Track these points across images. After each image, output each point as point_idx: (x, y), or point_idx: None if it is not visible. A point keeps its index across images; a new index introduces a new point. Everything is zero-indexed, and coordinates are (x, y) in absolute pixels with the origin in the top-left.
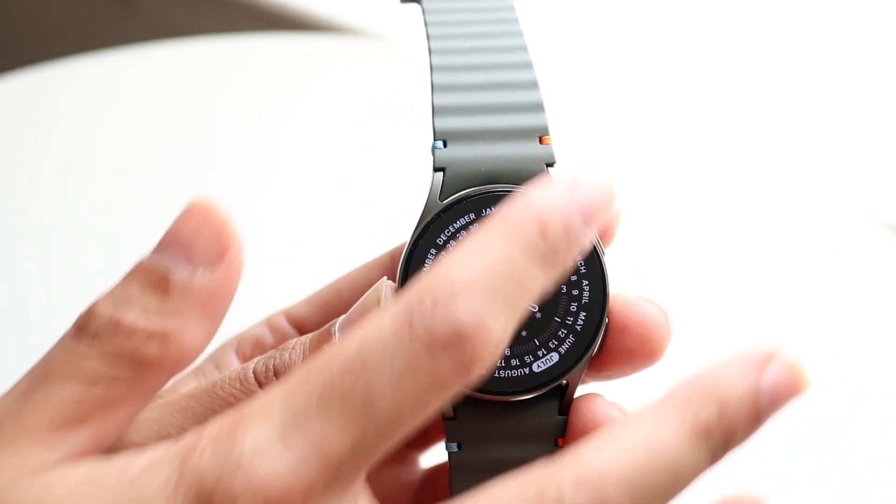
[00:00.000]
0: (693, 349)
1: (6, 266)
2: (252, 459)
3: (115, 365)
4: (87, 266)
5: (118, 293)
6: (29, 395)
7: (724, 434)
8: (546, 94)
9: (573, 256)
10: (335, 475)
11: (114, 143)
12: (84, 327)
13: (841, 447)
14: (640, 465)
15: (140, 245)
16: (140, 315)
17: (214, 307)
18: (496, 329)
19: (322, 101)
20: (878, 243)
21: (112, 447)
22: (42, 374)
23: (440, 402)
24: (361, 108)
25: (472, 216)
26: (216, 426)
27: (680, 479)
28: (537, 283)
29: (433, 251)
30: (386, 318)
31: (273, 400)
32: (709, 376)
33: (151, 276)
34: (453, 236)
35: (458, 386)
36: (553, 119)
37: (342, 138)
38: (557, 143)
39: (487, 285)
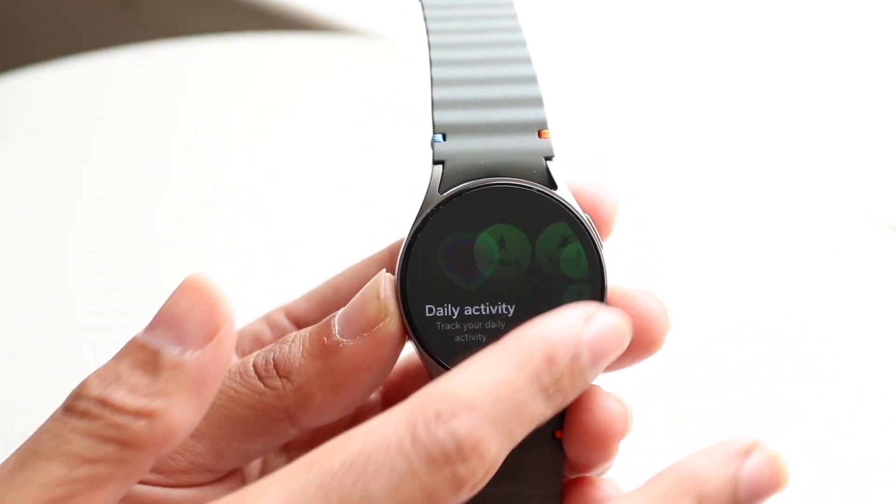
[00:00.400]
0: (692, 346)
1: (5, 266)
2: None
3: (101, 444)
4: (86, 266)
5: (108, 371)
6: (15, 474)
7: None
8: (545, 88)
9: (576, 392)
10: None
11: (114, 143)
12: (73, 405)
13: (841, 447)
14: None
15: (138, 246)
16: (128, 394)
17: (204, 386)
18: (491, 452)
19: (322, 101)
20: (878, 243)
21: None
22: (29, 453)
23: None
24: (361, 108)
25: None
26: None
27: None
28: (537, 414)
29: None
30: (389, 422)
31: (270, 485)
32: (688, 466)
33: (142, 354)
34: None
35: (448, 503)
36: (552, 113)
37: (342, 138)
38: (556, 137)
39: (489, 408)
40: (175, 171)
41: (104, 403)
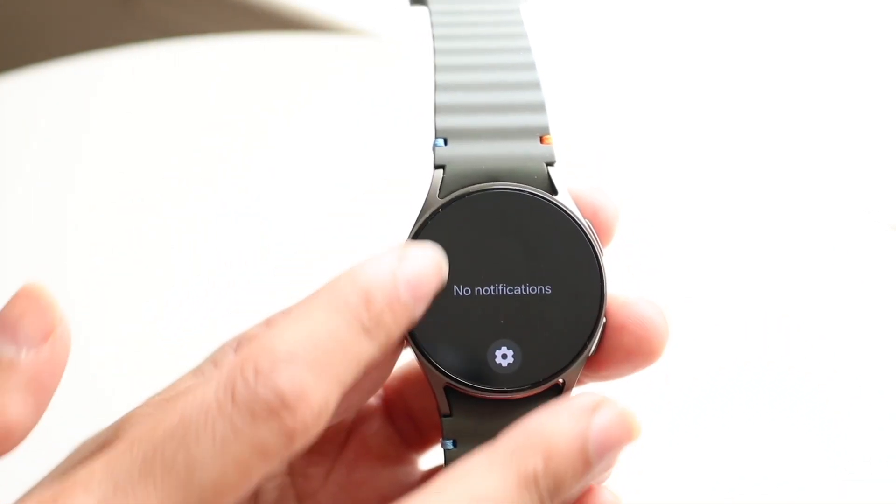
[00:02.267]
0: (692, 347)
1: (4, 266)
2: None
3: None
4: (86, 265)
5: None
6: None
7: (551, 482)
8: (549, 94)
9: (400, 328)
10: None
11: (114, 143)
12: None
13: (842, 446)
14: None
15: (138, 245)
16: None
17: (41, 385)
18: (318, 398)
19: (322, 101)
20: (878, 243)
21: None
22: None
23: (265, 469)
24: (361, 108)
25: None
26: (33, 500)
27: None
28: (362, 351)
29: None
30: (208, 388)
31: (94, 470)
32: (536, 424)
33: None
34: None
35: (282, 454)
36: (556, 119)
37: (342, 138)
38: (558, 143)
39: (310, 356)
40: (175, 171)
41: None
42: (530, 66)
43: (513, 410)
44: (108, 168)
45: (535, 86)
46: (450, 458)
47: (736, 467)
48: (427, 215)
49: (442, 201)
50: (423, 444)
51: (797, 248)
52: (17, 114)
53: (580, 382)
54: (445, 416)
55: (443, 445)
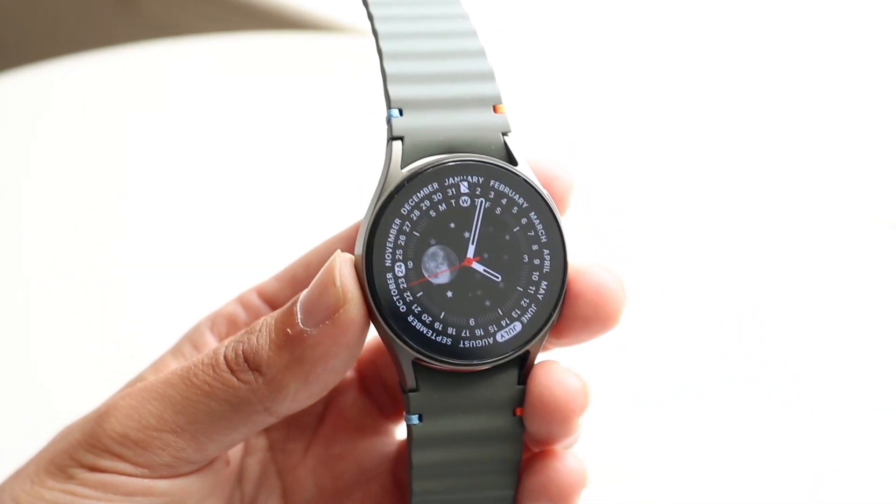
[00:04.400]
0: (668, 340)
1: (5, 264)
2: None
3: None
4: (85, 264)
5: None
6: None
7: None
8: (494, 61)
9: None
10: None
11: (114, 143)
12: None
13: (816, 436)
14: None
15: (139, 238)
16: None
17: None
18: None
19: (321, 101)
20: (878, 243)
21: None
22: None
23: None
24: (360, 107)
25: (436, 185)
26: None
27: None
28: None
29: (398, 221)
30: None
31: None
32: None
33: None
34: (417, 206)
35: None
36: (506, 88)
37: (340, 137)
38: (511, 112)
39: None
40: (174, 171)
41: None
42: (473, 34)
43: (479, 381)
44: (107, 166)
45: (482, 53)
46: (417, 434)
47: (711, 456)
48: (392, 188)
49: (406, 174)
50: (398, 413)
51: (797, 248)
52: (18, 113)
53: (544, 349)
54: (411, 391)
55: (407, 421)
